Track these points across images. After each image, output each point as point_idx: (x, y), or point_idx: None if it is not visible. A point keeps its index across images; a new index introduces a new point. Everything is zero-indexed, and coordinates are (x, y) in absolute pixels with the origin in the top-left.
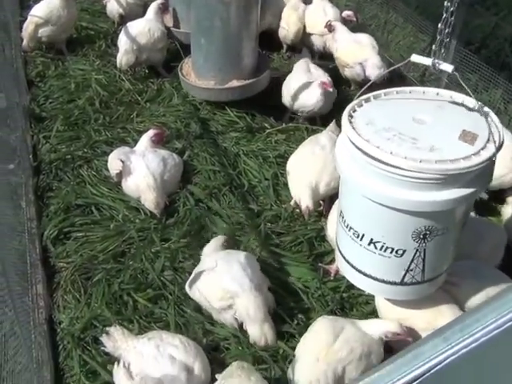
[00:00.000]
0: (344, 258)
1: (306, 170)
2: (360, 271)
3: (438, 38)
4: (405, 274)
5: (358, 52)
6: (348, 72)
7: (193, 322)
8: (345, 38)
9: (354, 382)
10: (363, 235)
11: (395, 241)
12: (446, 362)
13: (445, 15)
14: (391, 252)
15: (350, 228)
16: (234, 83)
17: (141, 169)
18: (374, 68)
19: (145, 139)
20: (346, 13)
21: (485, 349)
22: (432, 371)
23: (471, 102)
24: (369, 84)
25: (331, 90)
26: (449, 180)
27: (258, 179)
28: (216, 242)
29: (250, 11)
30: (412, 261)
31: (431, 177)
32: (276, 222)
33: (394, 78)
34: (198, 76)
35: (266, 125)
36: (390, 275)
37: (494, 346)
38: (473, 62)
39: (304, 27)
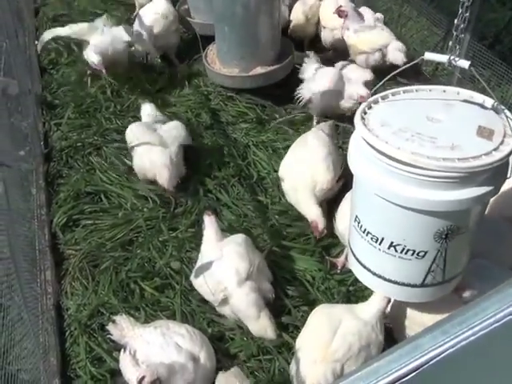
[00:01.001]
0: (360, 263)
1: (299, 177)
2: (379, 276)
3: (455, 34)
4: (426, 276)
5: (375, 38)
6: (364, 59)
7: (199, 311)
8: (357, 24)
9: (353, 372)
10: (382, 239)
11: (417, 243)
12: (444, 354)
13: (461, 10)
14: (412, 254)
15: (368, 233)
16: (258, 70)
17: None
18: (396, 52)
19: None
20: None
21: (483, 342)
22: (430, 363)
23: (480, 97)
24: (399, 70)
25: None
26: (471, 177)
27: (267, 170)
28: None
29: None
30: (433, 262)
31: (454, 175)
32: (284, 214)
33: (408, 72)
34: (222, 64)
35: (277, 115)
36: (411, 278)
37: (492, 340)
38: (486, 57)
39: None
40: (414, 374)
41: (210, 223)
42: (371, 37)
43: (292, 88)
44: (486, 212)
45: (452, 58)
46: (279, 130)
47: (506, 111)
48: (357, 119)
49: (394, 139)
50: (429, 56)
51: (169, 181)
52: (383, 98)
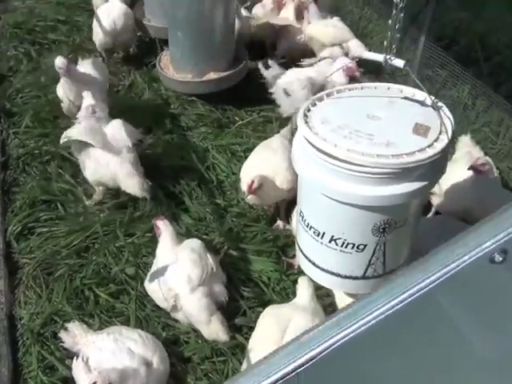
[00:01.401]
0: (306, 256)
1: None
2: (322, 269)
3: (389, 33)
4: (366, 268)
5: (335, 33)
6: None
7: (153, 316)
8: (317, 18)
9: (238, 375)
10: (324, 233)
11: (356, 236)
12: (336, 345)
13: (394, 12)
14: (352, 248)
15: (311, 227)
16: (211, 75)
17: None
18: (359, 47)
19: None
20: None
21: (374, 332)
22: (322, 354)
23: (422, 95)
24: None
25: (358, 74)
26: (405, 173)
27: (226, 174)
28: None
29: (227, 3)
30: (373, 255)
31: (388, 171)
32: (242, 216)
33: (369, 72)
34: (175, 69)
35: (237, 118)
36: (352, 270)
37: (382, 330)
38: (442, 58)
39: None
40: (306, 366)
41: (164, 227)
42: (332, 31)
43: (252, 90)
44: (433, 208)
45: (388, 57)
46: (238, 134)
47: (444, 108)
48: (299, 117)
49: (332, 136)
50: (367, 55)
51: (141, 189)
52: (328, 95)
